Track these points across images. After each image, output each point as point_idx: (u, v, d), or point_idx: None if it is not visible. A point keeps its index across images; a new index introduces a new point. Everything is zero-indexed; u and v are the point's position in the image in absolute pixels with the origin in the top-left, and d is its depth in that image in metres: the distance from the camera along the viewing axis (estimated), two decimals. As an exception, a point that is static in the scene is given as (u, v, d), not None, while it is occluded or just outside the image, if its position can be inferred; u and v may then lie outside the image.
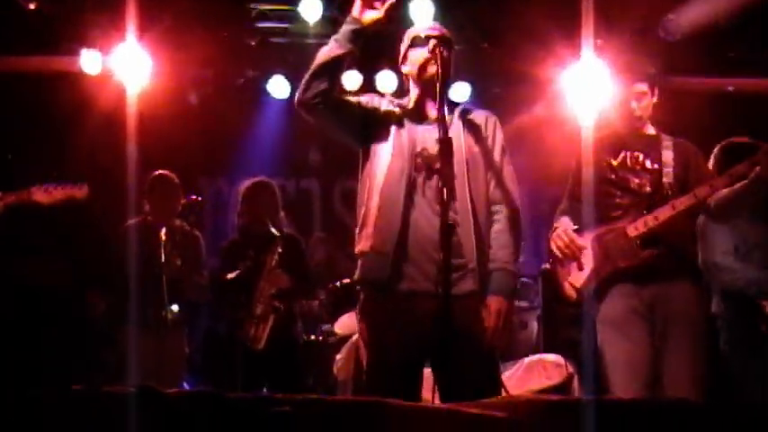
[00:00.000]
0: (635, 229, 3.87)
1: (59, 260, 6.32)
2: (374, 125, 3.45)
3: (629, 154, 4.05)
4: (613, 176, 4.01)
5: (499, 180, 3.44)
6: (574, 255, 3.97)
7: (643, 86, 4.05)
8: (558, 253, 4.01)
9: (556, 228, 4.06)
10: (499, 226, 3.38)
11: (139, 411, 2.08)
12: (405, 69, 3.57)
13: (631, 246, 3.88)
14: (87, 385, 2.17)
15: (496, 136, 3.49)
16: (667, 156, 4.00)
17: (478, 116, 3.52)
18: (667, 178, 3.95)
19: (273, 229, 5.33)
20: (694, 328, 3.87)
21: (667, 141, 4.05)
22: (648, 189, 3.96)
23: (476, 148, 3.41)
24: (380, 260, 3.29)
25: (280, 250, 5.31)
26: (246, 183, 5.62)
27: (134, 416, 2.09)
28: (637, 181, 3.98)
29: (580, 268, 3.99)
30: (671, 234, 3.88)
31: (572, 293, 4.02)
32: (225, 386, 5.18)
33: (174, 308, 5.34)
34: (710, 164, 4.12)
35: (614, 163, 4.03)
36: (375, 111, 3.47)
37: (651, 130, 4.11)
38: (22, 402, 2.09)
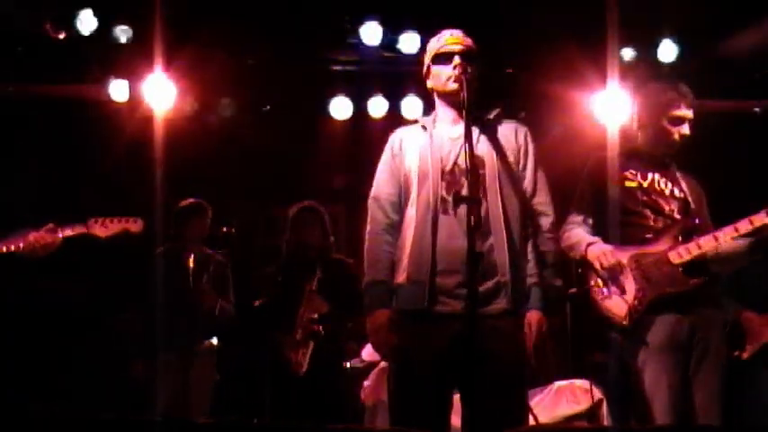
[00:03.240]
0: (679, 256, 3.78)
1: (77, 278, 6.33)
2: (405, 183, 3.45)
3: (656, 177, 3.97)
4: (645, 198, 3.91)
5: (534, 192, 3.43)
6: (615, 275, 3.81)
7: (689, 112, 3.96)
8: (602, 272, 3.83)
9: (590, 243, 3.87)
10: (537, 239, 3.37)
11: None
12: (429, 84, 3.53)
13: (678, 273, 3.78)
14: (111, 407, 2.17)
15: (528, 147, 3.46)
16: (684, 185, 3.98)
17: (508, 127, 3.49)
18: (694, 206, 3.93)
19: (315, 255, 5.37)
20: (723, 360, 3.86)
21: (678, 171, 4.02)
22: (678, 216, 3.90)
23: (508, 162, 3.38)
24: (418, 289, 3.28)
25: (320, 276, 5.33)
26: (293, 207, 5.59)
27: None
28: (667, 207, 3.92)
29: (623, 292, 3.81)
30: (709, 263, 3.82)
31: (621, 317, 3.78)
32: (264, 413, 5.17)
33: (214, 341, 5.42)
34: None
35: (645, 184, 3.94)
36: (404, 178, 3.47)
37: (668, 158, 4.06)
38: (48, 422, 2.10)
